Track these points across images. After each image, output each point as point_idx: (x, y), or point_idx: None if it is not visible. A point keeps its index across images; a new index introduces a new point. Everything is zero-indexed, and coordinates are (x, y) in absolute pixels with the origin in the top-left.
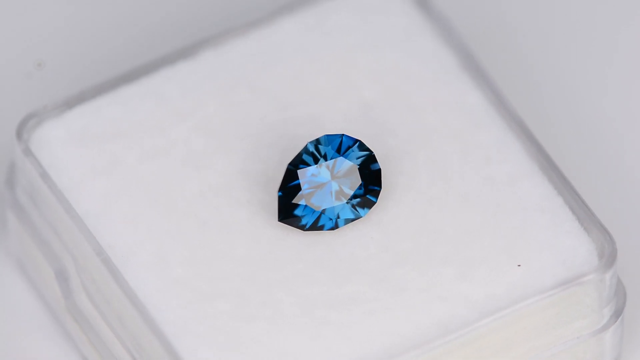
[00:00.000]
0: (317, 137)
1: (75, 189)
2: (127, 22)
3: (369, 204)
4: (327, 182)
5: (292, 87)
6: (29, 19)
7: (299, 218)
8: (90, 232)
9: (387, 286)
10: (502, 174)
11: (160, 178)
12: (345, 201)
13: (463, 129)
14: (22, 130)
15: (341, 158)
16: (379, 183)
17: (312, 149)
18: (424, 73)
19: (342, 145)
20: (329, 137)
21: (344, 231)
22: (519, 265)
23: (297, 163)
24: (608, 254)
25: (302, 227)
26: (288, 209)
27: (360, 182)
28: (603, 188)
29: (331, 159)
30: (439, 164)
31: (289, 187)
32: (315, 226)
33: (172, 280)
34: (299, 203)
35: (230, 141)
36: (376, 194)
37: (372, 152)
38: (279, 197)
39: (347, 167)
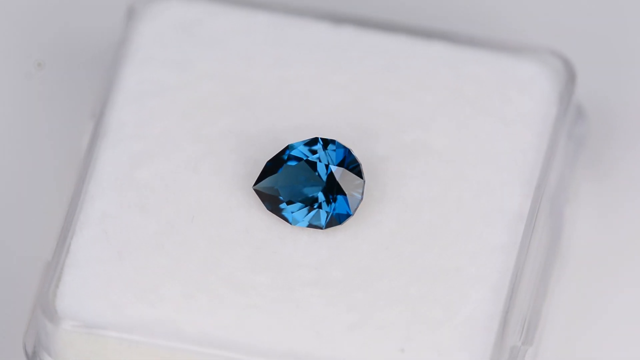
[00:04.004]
0: (331, 138)
1: (138, 66)
2: None
3: (334, 223)
4: (308, 180)
5: (380, 96)
6: None
7: (266, 194)
8: (109, 100)
9: (289, 296)
10: (474, 274)
11: (197, 106)
12: (314, 206)
13: (484, 229)
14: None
15: (334, 167)
16: (349, 208)
17: (318, 144)
18: (499, 161)
19: (343, 158)
20: (338, 144)
21: (317, 235)
22: (402, 350)
23: (297, 147)
24: None
25: (266, 205)
26: (264, 180)
27: (337, 198)
28: None
29: (326, 162)
30: (436, 228)
31: (277, 164)
32: (278, 212)
33: (129, 187)
34: (275, 182)
35: (288, 115)
36: (344, 217)
37: (364, 180)
38: (264, 166)
39: (334, 177)
